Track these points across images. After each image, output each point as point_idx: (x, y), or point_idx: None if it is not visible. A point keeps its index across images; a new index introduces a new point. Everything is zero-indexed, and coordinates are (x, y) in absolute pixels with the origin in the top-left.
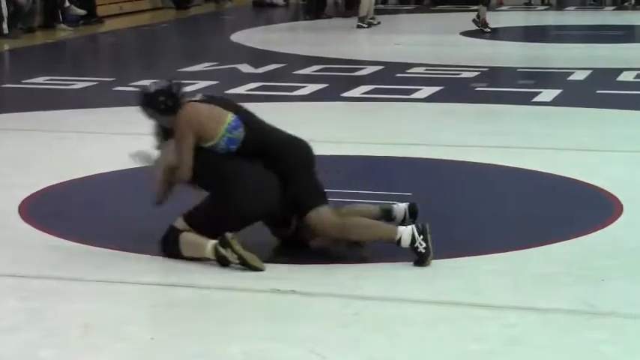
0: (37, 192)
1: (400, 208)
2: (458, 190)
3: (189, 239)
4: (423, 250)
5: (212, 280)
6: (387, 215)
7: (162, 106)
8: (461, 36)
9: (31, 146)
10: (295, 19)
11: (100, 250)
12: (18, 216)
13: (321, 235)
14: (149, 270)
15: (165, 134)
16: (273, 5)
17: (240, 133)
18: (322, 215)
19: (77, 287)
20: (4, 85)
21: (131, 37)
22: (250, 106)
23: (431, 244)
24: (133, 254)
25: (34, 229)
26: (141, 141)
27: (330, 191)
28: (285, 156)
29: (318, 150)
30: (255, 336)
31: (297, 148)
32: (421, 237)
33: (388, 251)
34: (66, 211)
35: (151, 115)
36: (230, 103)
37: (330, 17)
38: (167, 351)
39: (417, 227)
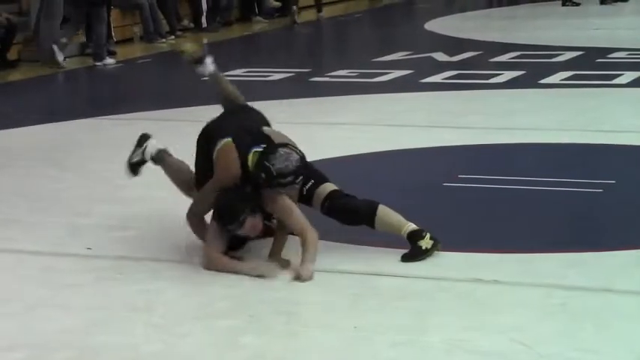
0: None
1: None
2: None
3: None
4: None
5: (413, 269)
6: None
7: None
8: None
9: None
10: (489, 6)
11: None
12: None
13: None
14: (352, 259)
15: None
16: None
17: None
18: None
19: (280, 276)
20: (205, 78)
21: (326, 28)
22: (446, 95)
23: None
24: (334, 243)
25: None
26: (335, 130)
27: (527, 179)
28: None
29: (518, 138)
30: (456, 325)
31: None
32: None
33: (592, 240)
34: None
35: None
36: None
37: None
38: (369, 339)
39: None
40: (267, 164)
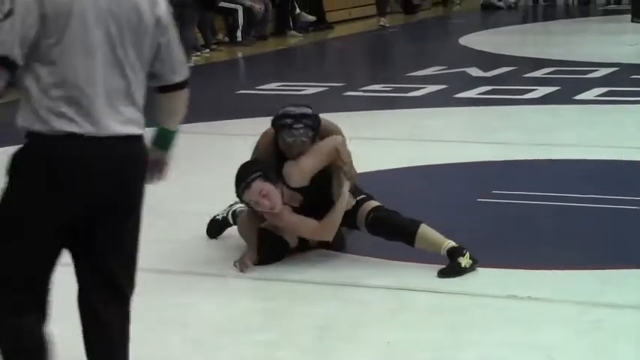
0: None
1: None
2: None
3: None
4: None
5: (448, 285)
6: None
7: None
8: None
9: None
10: (524, 21)
11: (335, 253)
12: None
13: None
14: (387, 273)
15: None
16: (502, 8)
17: None
18: None
19: (313, 290)
20: (239, 92)
21: (360, 43)
22: (480, 110)
23: None
24: (369, 258)
25: None
26: (369, 145)
27: (562, 196)
28: None
29: (553, 154)
30: (491, 342)
31: None
32: None
33: (629, 257)
34: None
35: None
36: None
37: None
38: (402, 355)
39: None
40: (281, 109)
